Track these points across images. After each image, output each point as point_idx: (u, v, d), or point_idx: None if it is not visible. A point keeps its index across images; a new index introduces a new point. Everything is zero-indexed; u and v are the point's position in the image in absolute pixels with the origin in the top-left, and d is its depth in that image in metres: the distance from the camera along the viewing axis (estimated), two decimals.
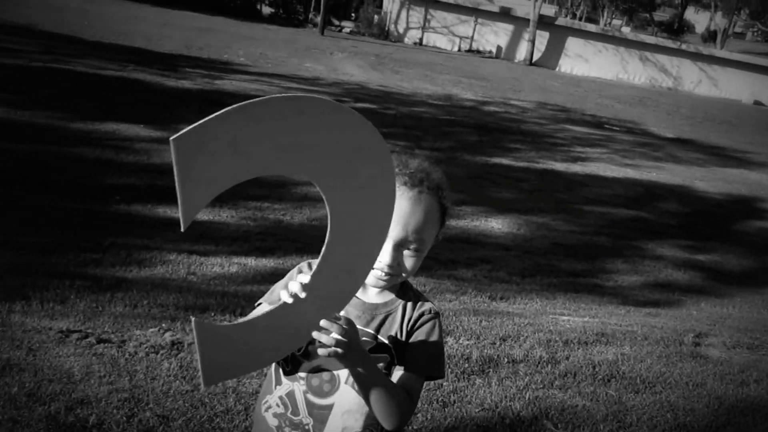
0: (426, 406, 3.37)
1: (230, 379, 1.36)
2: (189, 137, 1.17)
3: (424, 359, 1.60)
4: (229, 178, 1.24)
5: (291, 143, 1.25)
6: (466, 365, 3.95)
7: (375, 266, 1.52)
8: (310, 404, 1.60)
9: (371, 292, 1.65)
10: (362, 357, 1.46)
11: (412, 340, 1.61)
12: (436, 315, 1.65)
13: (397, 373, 1.58)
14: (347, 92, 16.04)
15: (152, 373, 3.28)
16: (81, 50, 15.01)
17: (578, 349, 4.53)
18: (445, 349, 1.66)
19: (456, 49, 36.07)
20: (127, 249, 5.71)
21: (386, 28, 35.93)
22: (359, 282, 1.44)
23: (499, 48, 36.73)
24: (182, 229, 1.28)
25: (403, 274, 1.58)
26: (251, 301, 4.59)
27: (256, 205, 7.51)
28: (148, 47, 17.33)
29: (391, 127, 12.96)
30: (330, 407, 1.59)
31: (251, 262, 5.86)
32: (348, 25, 37.01)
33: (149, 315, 4.10)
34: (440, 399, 3.47)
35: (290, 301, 1.36)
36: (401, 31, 36.40)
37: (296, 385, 1.61)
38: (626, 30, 41.81)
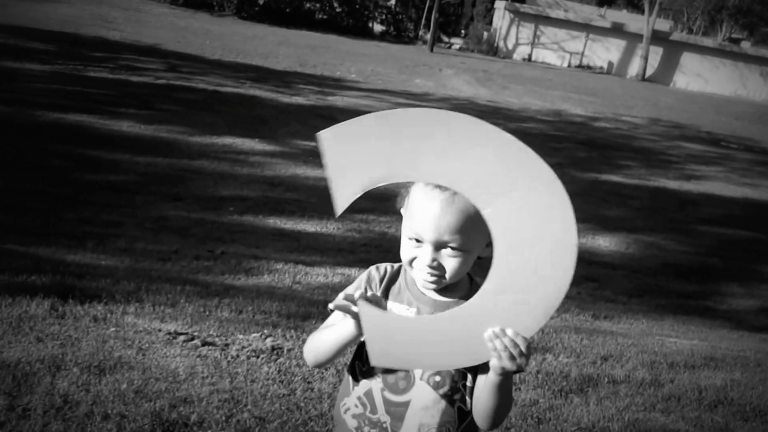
0: (520, 422, 3.33)
1: (399, 368, 1.47)
2: (336, 132, 1.38)
3: None
4: (373, 178, 1.39)
5: (428, 149, 1.37)
6: (564, 383, 3.87)
7: (419, 268, 1.56)
8: (387, 402, 1.61)
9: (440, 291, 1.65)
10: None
11: None
12: None
13: (482, 376, 1.55)
14: (456, 108, 16.02)
15: (252, 376, 3.40)
16: (202, 68, 15.79)
17: (684, 372, 4.35)
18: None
19: (566, 64, 35.48)
20: (237, 257, 5.95)
21: (495, 45, 35.80)
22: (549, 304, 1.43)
23: (610, 64, 35.86)
24: (336, 215, 1.45)
25: (447, 275, 1.56)
26: None
27: (362, 217, 7.67)
28: (265, 65, 18.00)
29: None
30: (407, 404, 1.60)
31: (354, 273, 5.98)
32: (457, 42, 37.11)
33: (253, 321, 4.25)
34: (535, 416, 3.42)
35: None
36: (510, 47, 36.16)
37: (373, 383, 1.64)
38: (746, 45, 39.83)
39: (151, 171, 8.25)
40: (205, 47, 19.26)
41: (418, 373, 1.59)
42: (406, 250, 1.57)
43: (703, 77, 35.08)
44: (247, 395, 3.20)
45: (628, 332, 5.42)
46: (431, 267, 1.54)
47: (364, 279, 1.70)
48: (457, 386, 1.59)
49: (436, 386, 1.58)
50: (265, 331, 4.04)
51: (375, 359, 1.46)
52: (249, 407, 3.10)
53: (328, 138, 1.39)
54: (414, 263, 1.56)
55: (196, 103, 12.15)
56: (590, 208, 10.01)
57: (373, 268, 1.72)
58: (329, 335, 1.62)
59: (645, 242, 8.84)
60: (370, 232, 7.36)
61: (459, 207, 1.51)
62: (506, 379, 1.47)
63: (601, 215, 9.72)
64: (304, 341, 3.90)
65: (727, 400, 3.92)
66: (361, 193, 1.42)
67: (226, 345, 3.75)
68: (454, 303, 1.61)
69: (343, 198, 1.42)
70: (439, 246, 1.53)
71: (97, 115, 10.07)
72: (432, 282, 1.57)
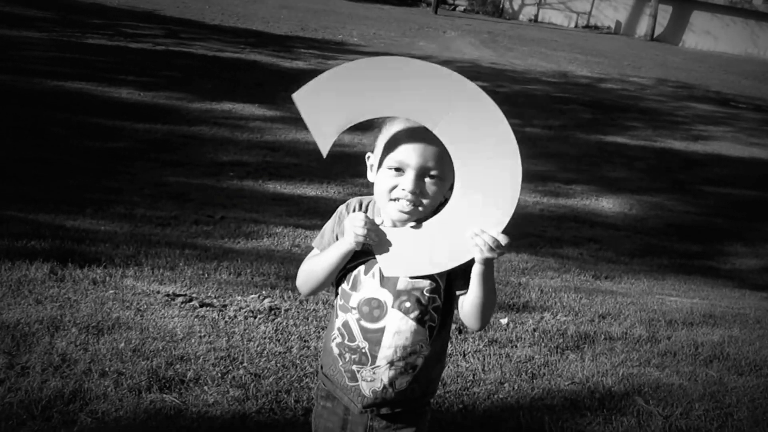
0: (514, 377, 3.36)
1: (406, 275, 1.76)
2: (306, 91, 1.69)
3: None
4: (347, 118, 1.68)
5: (384, 88, 1.66)
6: (561, 340, 3.90)
7: (398, 195, 1.73)
8: (363, 329, 1.80)
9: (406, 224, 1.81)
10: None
11: None
12: None
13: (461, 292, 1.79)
14: (459, 70, 15.54)
15: (249, 335, 3.44)
16: (201, 33, 15.68)
17: (682, 329, 4.37)
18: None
19: (573, 25, 35.01)
20: (236, 222, 5.97)
21: (500, 6, 35.34)
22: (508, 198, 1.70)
23: (618, 23, 35.34)
24: (324, 156, 1.73)
25: (423, 201, 1.73)
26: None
27: (364, 181, 7.63)
28: (265, 29, 17.85)
29: (502, 104, 12.72)
30: (382, 330, 1.79)
31: None
32: (462, 3, 36.61)
33: (251, 283, 4.29)
34: (530, 371, 3.45)
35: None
36: (516, 8, 35.67)
37: (349, 316, 1.82)
38: (758, 2, 39.16)
39: (150, 137, 8.25)
40: (205, 12, 19.08)
41: (389, 302, 1.77)
42: (386, 179, 1.73)
43: (713, 35, 34.55)
44: (244, 353, 3.24)
45: (629, 291, 5.43)
46: (413, 192, 1.71)
47: (336, 219, 1.87)
48: (427, 309, 1.78)
49: (407, 311, 1.77)
50: (263, 292, 4.08)
51: (387, 270, 1.75)
52: (245, 364, 3.14)
53: (301, 96, 1.70)
54: (394, 191, 1.73)
55: (196, 69, 12.09)
56: (594, 169, 9.98)
57: (342, 207, 1.88)
58: (326, 257, 1.80)
59: (649, 203, 8.82)
60: (371, 196, 7.36)
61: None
62: (489, 268, 1.70)
63: (605, 177, 9.68)
64: (301, 302, 3.95)
65: (723, 356, 3.94)
66: (338, 134, 1.69)
67: (224, 306, 3.79)
68: None
69: (323, 139, 1.70)
70: (422, 172, 1.71)
71: (96, 82, 10.03)
72: (408, 212, 1.73)
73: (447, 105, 1.66)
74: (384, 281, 1.77)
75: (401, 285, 1.77)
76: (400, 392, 1.82)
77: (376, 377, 1.80)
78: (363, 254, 1.78)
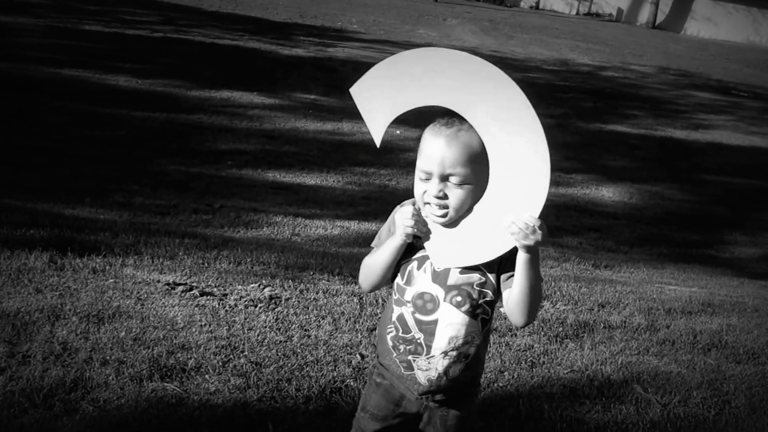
0: (514, 365, 3.38)
1: (456, 266, 1.85)
2: (360, 85, 1.82)
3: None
4: (394, 109, 1.82)
5: (425, 78, 1.77)
6: (560, 329, 3.92)
7: (427, 200, 1.81)
8: (418, 322, 1.90)
9: None
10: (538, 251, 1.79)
11: (504, 260, 1.84)
12: None
13: (507, 290, 1.84)
14: None
15: (249, 324, 3.45)
16: (200, 20, 15.62)
17: (681, 318, 4.39)
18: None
19: (574, 12, 34.89)
20: (236, 211, 5.98)
21: None
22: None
23: (619, 10, 35.20)
24: (377, 146, 1.87)
25: (450, 205, 1.80)
26: (351, 261, 4.74)
27: (362, 170, 7.66)
28: (264, 16, 17.78)
29: None
30: (435, 322, 1.88)
31: (354, 225, 6.00)
32: None
33: (251, 272, 4.29)
34: (529, 359, 3.47)
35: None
36: None
37: (404, 309, 1.91)
38: None
39: (148, 126, 8.23)
40: None
41: (441, 296, 1.87)
42: (418, 185, 1.83)
43: (715, 23, 34.39)
44: (244, 342, 3.25)
45: (628, 280, 5.45)
46: (437, 197, 1.79)
47: (392, 217, 1.94)
48: (477, 302, 1.86)
49: (458, 305, 1.86)
50: (264, 281, 4.09)
51: (438, 262, 1.85)
52: (246, 353, 3.15)
53: (356, 90, 1.83)
54: (425, 196, 1.81)
55: (194, 57, 12.04)
56: (595, 158, 9.98)
57: (398, 207, 1.93)
58: (381, 253, 1.91)
59: (649, 192, 8.82)
60: (370, 185, 7.36)
61: (462, 141, 1.76)
62: (533, 257, 1.75)
63: (605, 166, 9.68)
64: (301, 291, 3.96)
65: (721, 344, 3.96)
66: (388, 124, 1.84)
67: (225, 295, 3.80)
68: None
69: (376, 129, 1.84)
70: (443, 179, 1.77)
71: (93, 69, 10.00)
72: (439, 215, 1.82)
73: (480, 94, 1.73)
74: (435, 276, 1.87)
75: (452, 280, 1.86)
76: (453, 379, 1.92)
77: (431, 366, 1.90)
78: (415, 250, 1.89)
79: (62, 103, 8.43)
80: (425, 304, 1.88)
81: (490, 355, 3.44)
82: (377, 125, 1.82)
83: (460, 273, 1.85)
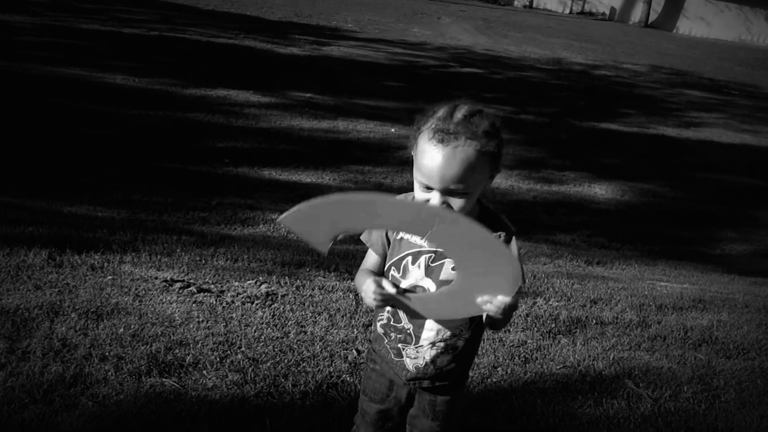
0: (507, 361, 3.43)
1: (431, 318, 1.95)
2: (289, 217, 1.70)
3: None
4: (335, 231, 1.74)
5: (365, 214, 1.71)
6: (553, 325, 3.97)
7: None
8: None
9: None
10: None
11: None
12: (512, 234, 1.95)
13: None
14: (453, 57, 15.95)
15: (246, 321, 3.49)
16: (196, 19, 15.62)
17: (672, 314, 4.45)
18: (523, 260, 1.96)
19: (567, 11, 34.94)
20: (232, 208, 6.02)
21: None
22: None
23: (612, 10, 35.27)
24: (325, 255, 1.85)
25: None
26: (346, 259, 4.77)
27: (359, 168, 7.70)
28: (260, 15, 17.78)
29: (497, 92, 12.85)
30: None
31: None
32: None
33: (248, 269, 4.34)
34: (522, 355, 3.52)
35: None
36: None
37: None
38: None
39: (145, 124, 8.26)
40: None
41: (432, 290, 1.91)
42: (419, 193, 1.84)
43: (707, 22, 34.48)
44: (242, 338, 3.29)
45: (620, 277, 5.51)
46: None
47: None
48: None
49: None
50: (260, 278, 4.13)
51: (413, 315, 1.93)
52: (243, 349, 3.19)
53: (286, 220, 1.71)
54: (428, 203, 1.81)
55: (190, 55, 12.06)
56: (588, 156, 10.03)
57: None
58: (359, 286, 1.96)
59: (641, 190, 8.88)
60: (366, 183, 7.40)
61: (461, 158, 1.75)
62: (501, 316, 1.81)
63: (598, 163, 9.74)
64: (297, 288, 4.01)
65: (711, 339, 4.02)
66: (333, 240, 1.76)
67: (222, 291, 3.84)
68: None
69: (321, 246, 1.76)
70: (446, 192, 1.79)
71: (91, 68, 10.01)
72: None
73: (429, 225, 1.70)
74: (429, 271, 1.92)
75: (444, 275, 1.90)
76: (440, 368, 2.00)
77: (419, 355, 1.99)
78: (409, 245, 1.93)
79: (60, 101, 8.45)
80: None
81: (483, 351, 3.49)
82: (321, 243, 1.76)
83: (453, 269, 1.87)
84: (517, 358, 3.48)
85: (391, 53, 14.96)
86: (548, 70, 16.36)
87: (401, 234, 1.95)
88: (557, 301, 4.42)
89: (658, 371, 3.49)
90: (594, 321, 4.11)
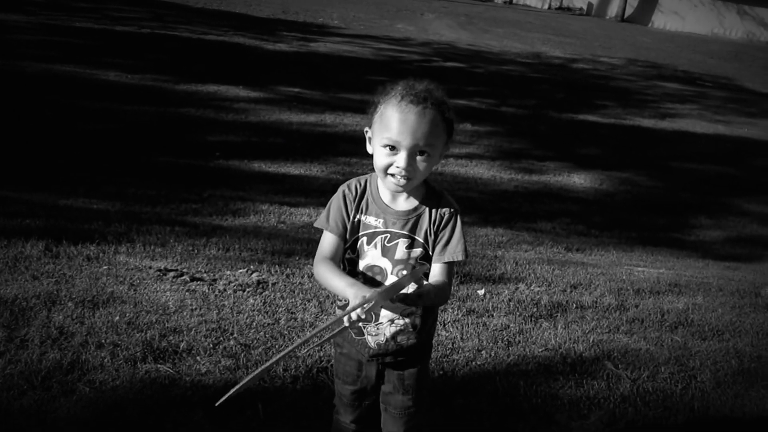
0: (491, 344, 3.54)
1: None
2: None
3: (450, 250, 2.02)
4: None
5: None
6: (535, 309, 4.09)
7: (393, 172, 1.91)
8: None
9: (400, 201, 2.03)
10: (415, 301, 1.93)
11: (438, 237, 2.02)
12: (455, 212, 2.04)
13: (435, 266, 2.02)
14: (436, 52, 16.05)
15: (238, 308, 3.59)
16: (186, 16, 15.63)
17: (649, 298, 4.59)
18: (465, 235, 2.05)
19: (546, 7, 35.10)
20: (224, 200, 6.12)
21: None
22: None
23: (590, 5, 35.44)
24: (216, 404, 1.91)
25: (416, 175, 1.92)
26: None
27: (346, 160, 7.78)
28: (248, 12, 17.80)
29: (479, 85, 12.99)
30: None
31: None
32: None
33: (239, 258, 4.43)
34: (505, 339, 3.64)
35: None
36: None
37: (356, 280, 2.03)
38: None
39: (138, 119, 8.31)
40: None
41: (389, 269, 2.02)
42: (381, 158, 1.92)
43: (681, 16, 34.77)
44: (233, 325, 3.39)
45: (599, 263, 5.65)
46: (406, 170, 1.90)
47: (341, 200, 2.05)
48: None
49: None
50: (251, 267, 4.23)
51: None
52: (235, 335, 3.29)
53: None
54: (390, 168, 1.91)
55: (181, 52, 12.08)
56: (567, 147, 10.17)
57: (344, 187, 2.06)
58: (334, 286, 1.99)
59: (618, 179, 9.04)
60: (353, 174, 7.43)
61: (429, 118, 1.88)
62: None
63: (576, 154, 9.89)
64: (288, 276, 4.10)
65: (687, 322, 4.16)
66: None
67: (214, 280, 3.94)
68: (412, 211, 2.03)
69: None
70: (413, 151, 1.88)
71: (84, 65, 10.03)
72: (402, 185, 1.94)
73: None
74: (384, 251, 2.02)
75: (398, 255, 2.01)
76: (400, 345, 2.10)
77: (379, 332, 2.09)
78: (365, 227, 2.02)
79: (55, 98, 8.48)
80: (374, 276, 2.03)
81: (467, 335, 3.61)
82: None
83: (406, 248, 2.01)
84: (500, 341, 3.60)
85: (376, 49, 15.03)
86: (528, 64, 16.51)
87: (359, 215, 2.02)
88: (539, 287, 4.55)
89: (636, 353, 3.63)
90: (574, 305, 4.24)
